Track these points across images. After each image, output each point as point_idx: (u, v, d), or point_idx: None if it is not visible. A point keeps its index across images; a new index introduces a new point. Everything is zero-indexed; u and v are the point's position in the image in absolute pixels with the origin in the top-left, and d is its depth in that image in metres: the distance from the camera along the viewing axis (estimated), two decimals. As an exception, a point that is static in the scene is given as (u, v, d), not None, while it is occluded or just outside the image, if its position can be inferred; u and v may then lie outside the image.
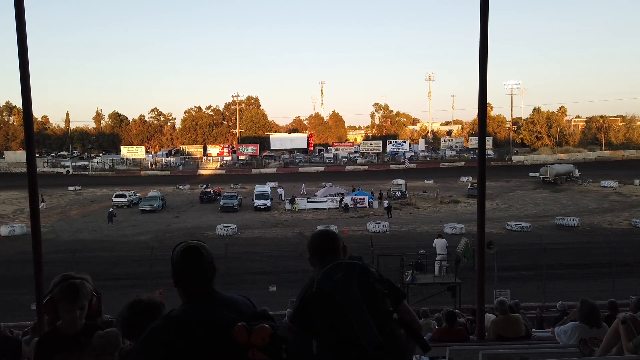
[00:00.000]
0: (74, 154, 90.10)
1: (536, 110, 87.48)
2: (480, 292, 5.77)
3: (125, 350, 2.37)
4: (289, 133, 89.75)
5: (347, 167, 72.99)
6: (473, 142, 76.92)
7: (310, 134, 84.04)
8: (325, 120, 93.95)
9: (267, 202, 38.33)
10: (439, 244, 17.70)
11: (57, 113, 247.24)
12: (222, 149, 77.74)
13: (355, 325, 1.90)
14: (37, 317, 5.23)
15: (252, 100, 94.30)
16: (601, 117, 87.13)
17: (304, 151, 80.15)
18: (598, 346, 4.20)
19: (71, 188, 52.67)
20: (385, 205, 35.92)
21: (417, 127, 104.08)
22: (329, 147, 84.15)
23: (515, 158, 76.94)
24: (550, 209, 36.46)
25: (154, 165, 75.51)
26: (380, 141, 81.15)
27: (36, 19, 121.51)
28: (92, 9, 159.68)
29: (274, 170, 72.28)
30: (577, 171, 53.05)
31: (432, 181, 53.52)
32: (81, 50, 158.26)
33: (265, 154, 79.58)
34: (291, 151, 79.79)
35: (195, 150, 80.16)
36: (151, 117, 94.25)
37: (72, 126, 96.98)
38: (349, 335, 1.91)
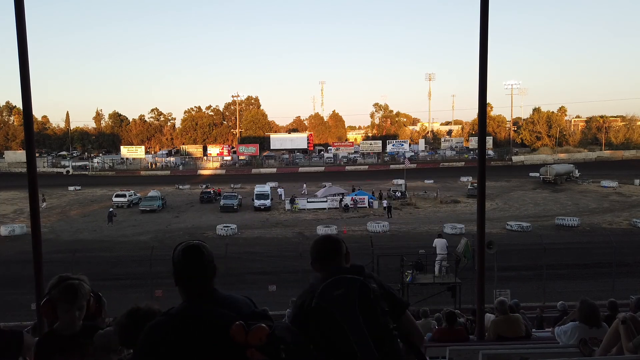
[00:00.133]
0: (74, 154, 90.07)
1: (536, 110, 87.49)
2: (480, 292, 5.76)
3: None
4: (289, 133, 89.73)
5: (347, 167, 72.98)
6: (473, 142, 76.95)
7: (310, 134, 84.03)
8: (325, 120, 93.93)
9: (267, 202, 38.34)
10: (439, 244, 17.72)
11: (57, 113, 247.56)
12: (222, 149, 77.72)
13: (353, 343, 1.91)
14: (37, 317, 5.22)
15: (252, 100, 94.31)
16: (601, 117, 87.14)
17: (304, 151, 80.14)
18: (598, 346, 4.20)
19: (71, 188, 52.67)
20: (385, 205, 35.95)
21: (417, 127, 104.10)
22: (329, 147, 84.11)
23: (515, 158, 76.93)
24: (550, 209, 36.46)
25: (154, 165, 75.50)
26: (380, 141, 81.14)
27: (36, 19, 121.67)
28: (92, 9, 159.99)
29: (274, 170, 72.27)
30: (577, 171, 53.02)
31: (432, 181, 53.49)
32: (81, 50, 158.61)
33: (265, 154, 79.56)
34: (291, 151, 79.77)
35: (195, 150, 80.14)
36: (151, 117, 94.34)
37: (72, 126, 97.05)
38: (346, 350, 1.92)
